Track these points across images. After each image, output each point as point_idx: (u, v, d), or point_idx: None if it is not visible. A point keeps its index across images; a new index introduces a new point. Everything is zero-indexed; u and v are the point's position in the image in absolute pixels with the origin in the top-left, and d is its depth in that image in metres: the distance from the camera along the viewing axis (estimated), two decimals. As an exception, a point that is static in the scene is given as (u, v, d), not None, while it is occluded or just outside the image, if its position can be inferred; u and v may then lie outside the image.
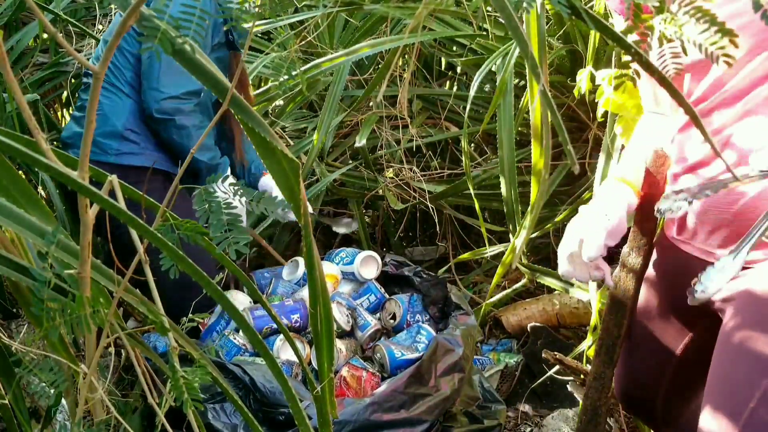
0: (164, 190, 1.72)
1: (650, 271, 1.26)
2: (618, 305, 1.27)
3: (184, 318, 1.05)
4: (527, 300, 2.21)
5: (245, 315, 1.57)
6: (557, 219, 2.08)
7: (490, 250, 2.12)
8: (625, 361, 1.31)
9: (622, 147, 1.66)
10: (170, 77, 1.64)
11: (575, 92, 1.64)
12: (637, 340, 1.29)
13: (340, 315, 1.62)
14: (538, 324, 2.07)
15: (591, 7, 1.86)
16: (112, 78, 1.71)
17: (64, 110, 2.68)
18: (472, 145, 2.54)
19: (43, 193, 2.08)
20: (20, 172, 1.09)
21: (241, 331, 1.54)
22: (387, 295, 1.78)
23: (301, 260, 1.81)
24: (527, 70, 1.75)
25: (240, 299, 1.72)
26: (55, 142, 2.33)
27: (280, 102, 2.51)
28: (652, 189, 1.23)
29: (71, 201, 1.81)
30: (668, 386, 1.27)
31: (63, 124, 2.44)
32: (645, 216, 1.24)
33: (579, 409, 1.72)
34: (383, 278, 1.85)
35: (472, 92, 1.95)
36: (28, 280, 0.81)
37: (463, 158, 2.06)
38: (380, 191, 2.38)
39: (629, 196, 1.19)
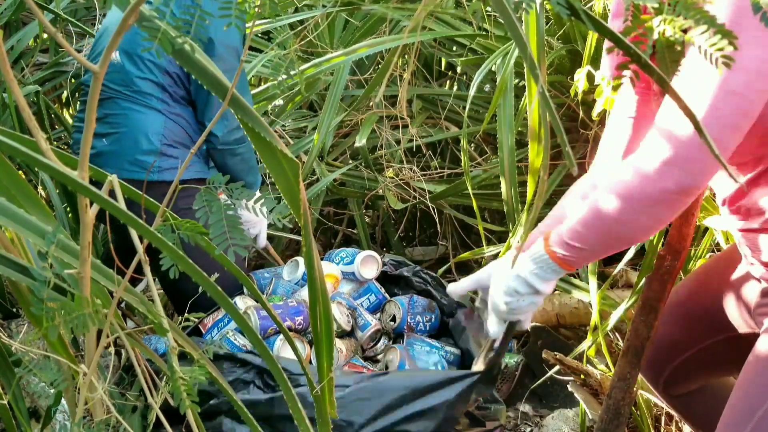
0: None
1: (725, 256, 1.27)
2: (649, 307, 1.27)
3: (181, 317, 1.05)
4: (527, 300, 2.21)
5: (251, 314, 1.57)
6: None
7: (490, 251, 2.12)
8: (662, 322, 1.31)
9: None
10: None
11: (571, 92, 1.65)
12: (683, 311, 1.31)
13: (340, 315, 1.62)
14: (538, 324, 2.07)
15: (590, 8, 1.86)
16: (143, 97, 1.69)
17: (64, 110, 2.68)
18: (473, 145, 2.54)
19: (43, 193, 2.08)
20: (20, 172, 1.09)
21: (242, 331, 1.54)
22: (387, 296, 1.77)
23: (301, 260, 1.81)
24: (526, 71, 1.75)
25: (248, 300, 1.71)
26: (56, 142, 2.34)
27: (279, 101, 2.52)
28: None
29: (71, 201, 1.81)
30: (687, 359, 1.29)
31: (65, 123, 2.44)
32: (684, 221, 1.24)
33: (579, 409, 1.72)
34: (381, 278, 1.85)
35: (472, 92, 1.95)
36: (28, 280, 0.81)
37: (462, 158, 2.06)
38: (380, 191, 2.38)
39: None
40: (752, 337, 1.14)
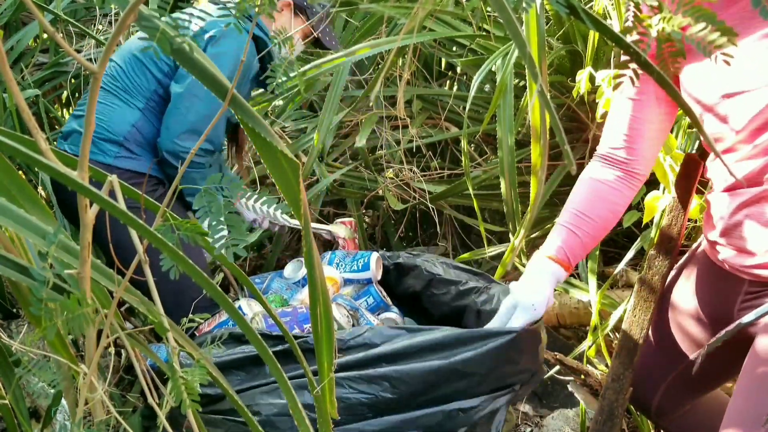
0: (161, 196, 1.73)
1: (692, 274, 1.26)
2: (642, 307, 1.27)
3: (185, 318, 1.05)
4: (527, 300, 2.21)
5: (259, 321, 1.55)
6: (557, 219, 2.07)
7: (490, 251, 2.12)
8: (640, 353, 1.31)
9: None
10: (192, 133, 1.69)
11: (574, 93, 1.64)
12: (658, 334, 1.31)
13: (340, 315, 1.61)
14: (538, 324, 2.06)
15: (590, 7, 1.86)
16: (126, 88, 1.72)
17: (64, 110, 2.68)
18: (473, 145, 2.54)
19: (43, 193, 2.08)
20: (20, 172, 1.09)
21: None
22: (387, 300, 1.77)
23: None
24: (526, 71, 1.75)
25: (255, 306, 1.69)
26: (56, 142, 2.34)
27: (279, 102, 2.52)
28: (684, 195, 1.23)
29: (64, 204, 1.80)
30: (671, 383, 1.29)
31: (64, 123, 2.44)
32: (674, 219, 1.24)
33: (579, 409, 1.72)
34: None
35: (472, 92, 1.95)
36: (28, 280, 0.81)
37: (463, 158, 2.06)
38: (380, 191, 2.38)
39: (558, 273, 1.23)
40: (732, 342, 1.13)
